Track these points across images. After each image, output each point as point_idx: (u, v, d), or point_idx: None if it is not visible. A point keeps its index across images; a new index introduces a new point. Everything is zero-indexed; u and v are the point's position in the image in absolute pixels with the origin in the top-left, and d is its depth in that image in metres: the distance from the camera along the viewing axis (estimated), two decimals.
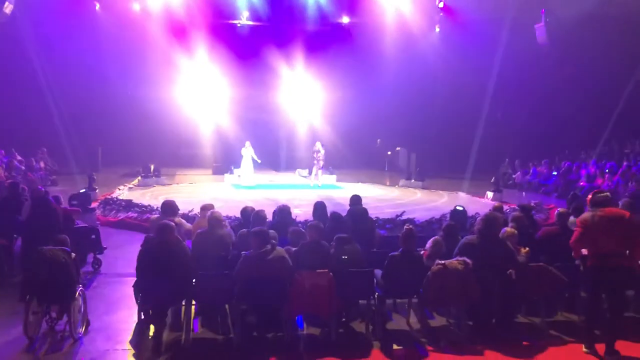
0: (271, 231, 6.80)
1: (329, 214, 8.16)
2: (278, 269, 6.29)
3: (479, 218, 6.96)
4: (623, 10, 19.25)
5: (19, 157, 18.52)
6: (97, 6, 21.46)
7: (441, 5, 22.38)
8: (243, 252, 6.45)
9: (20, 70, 20.90)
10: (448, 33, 23.23)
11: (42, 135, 20.80)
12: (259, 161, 20.06)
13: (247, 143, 19.95)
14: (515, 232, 7.11)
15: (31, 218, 8.54)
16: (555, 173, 20.21)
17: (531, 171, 21.22)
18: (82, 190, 13.29)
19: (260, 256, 6.29)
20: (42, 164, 19.44)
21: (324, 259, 6.52)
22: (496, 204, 10.05)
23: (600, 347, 6.15)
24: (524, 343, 6.48)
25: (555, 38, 19.75)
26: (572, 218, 8.11)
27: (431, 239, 7.00)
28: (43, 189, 10.03)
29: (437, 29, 23.75)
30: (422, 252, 6.90)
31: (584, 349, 6.23)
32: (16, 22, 18.95)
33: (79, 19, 21.31)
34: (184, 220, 8.53)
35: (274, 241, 6.49)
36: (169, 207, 8.11)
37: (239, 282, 6.33)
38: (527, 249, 7.04)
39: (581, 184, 17.99)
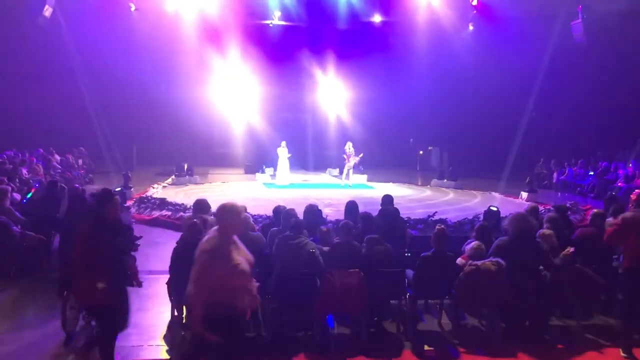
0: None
1: (360, 214, 8.13)
2: (310, 263, 6.34)
3: (508, 219, 6.82)
4: None
5: (57, 157, 18.97)
6: (133, 7, 21.84)
7: (475, 2, 22.11)
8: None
9: (58, 71, 21.41)
10: (482, 31, 22.93)
11: (79, 135, 21.26)
12: (290, 155, 20.10)
13: (282, 143, 20.05)
14: (551, 232, 6.95)
15: (68, 215, 8.74)
16: (591, 173, 19.76)
17: (567, 171, 20.79)
18: (117, 189, 13.55)
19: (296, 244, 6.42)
20: (80, 162, 19.88)
21: (355, 259, 6.52)
22: (531, 204, 9.86)
23: (638, 352, 6.01)
24: (559, 346, 6.37)
25: (593, 35, 19.32)
26: (609, 219, 7.95)
27: (473, 243, 6.87)
28: (80, 187, 10.25)
29: (471, 27, 23.46)
30: (461, 256, 6.79)
31: (622, 354, 6.09)
32: (54, 24, 19.45)
33: (115, 20, 21.72)
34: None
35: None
36: (201, 205, 8.19)
37: (274, 263, 6.49)
38: (570, 249, 6.75)
39: (619, 184, 17.55)
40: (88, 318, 6.35)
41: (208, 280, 4.22)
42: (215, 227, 4.49)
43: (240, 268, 4.30)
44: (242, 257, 4.43)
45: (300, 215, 7.92)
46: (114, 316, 4.98)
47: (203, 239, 4.49)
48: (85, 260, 4.86)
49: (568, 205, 13.77)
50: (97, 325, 5.33)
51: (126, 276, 5.47)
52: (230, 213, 4.49)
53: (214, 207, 9.43)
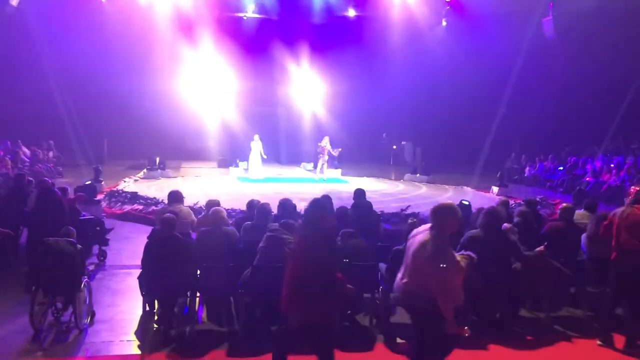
0: (275, 224, 6.85)
1: (335, 209, 8.15)
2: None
3: (482, 212, 6.93)
4: (633, 3, 19.10)
5: (24, 149, 18.58)
6: None
7: None
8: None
9: (26, 62, 20.94)
10: (455, 27, 23.14)
11: (48, 127, 20.82)
12: (265, 157, 20.06)
13: (255, 136, 19.94)
14: (514, 228, 7.06)
15: (37, 209, 8.55)
16: (561, 168, 20.14)
17: (537, 166, 21.14)
18: (87, 182, 13.35)
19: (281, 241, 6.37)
20: (50, 154, 19.52)
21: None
22: (502, 198, 10.00)
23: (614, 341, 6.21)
24: (528, 338, 6.49)
25: (563, 32, 19.63)
26: (582, 211, 8.21)
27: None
28: (49, 181, 10.04)
29: (444, 23, 23.64)
30: None
31: (599, 342, 6.28)
32: (22, 14, 18.99)
33: (85, 11, 21.31)
34: (190, 210, 8.61)
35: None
36: (175, 196, 8.28)
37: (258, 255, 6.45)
38: (542, 247, 6.81)
39: (587, 179, 17.93)
40: (58, 313, 6.25)
41: (438, 279, 4.35)
42: (429, 226, 4.60)
43: (461, 265, 4.51)
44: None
45: (274, 209, 7.92)
46: (332, 336, 4.74)
47: (418, 239, 4.56)
48: (302, 276, 4.58)
49: (538, 199, 14.01)
50: (315, 346, 4.82)
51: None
52: (447, 213, 4.59)
53: (187, 202, 9.45)
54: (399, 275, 4.79)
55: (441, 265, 4.38)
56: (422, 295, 4.42)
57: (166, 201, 8.90)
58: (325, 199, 8.32)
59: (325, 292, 4.57)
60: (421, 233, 4.64)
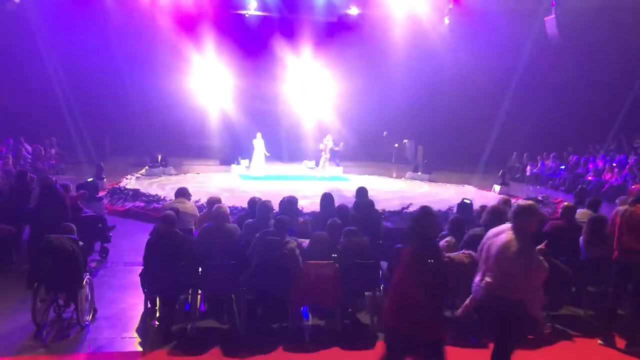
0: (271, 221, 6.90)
1: (336, 206, 8.16)
2: (289, 259, 6.34)
3: (484, 210, 6.91)
4: (635, 1, 19.07)
5: (26, 146, 18.59)
6: None
7: None
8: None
9: (28, 59, 20.93)
10: (458, 25, 23.07)
11: (50, 125, 20.84)
12: (267, 154, 20.08)
13: (258, 134, 19.94)
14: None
15: (39, 206, 8.57)
16: (562, 167, 20.12)
17: (539, 165, 21.13)
18: (89, 179, 13.34)
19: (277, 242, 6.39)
20: (52, 151, 19.52)
21: (331, 251, 6.56)
22: (503, 197, 9.98)
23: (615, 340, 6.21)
24: (529, 336, 6.48)
25: (566, 31, 19.58)
26: (584, 210, 8.18)
27: (445, 239, 6.92)
28: (52, 178, 10.06)
29: (447, 21, 23.58)
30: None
31: (600, 342, 6.28)
32: (25, 10, 18.99)
33: (88, 7, 21.31)
34: (195, 207, 8.68)
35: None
36: (182, 192, 8.58)
37: (252, 255, 6.45)
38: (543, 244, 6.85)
39: (589, 178, 17.91)
40: (60, 310, 6.26)
41: (526, 279, 4.39)
42: (509, 226, 4.62)
43: (545, 264, 4.48)
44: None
45: (276, 207, 7.93)
46: (442, 347, 4.54)
47: (501, 240, 4.54)
48: (412, 289, 4.39)
49: (540, 198, 14.00)
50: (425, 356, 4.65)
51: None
52: (529, 213, 4.62)
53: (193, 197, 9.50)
54: (477, 277, 4.75)
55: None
56: (507, 297, 4.41)
57: (168, 199, 8.98)
58: (327, 196, 8.33)
59: (434, 304, 4.46)
60: (502, 233, 4.63)
